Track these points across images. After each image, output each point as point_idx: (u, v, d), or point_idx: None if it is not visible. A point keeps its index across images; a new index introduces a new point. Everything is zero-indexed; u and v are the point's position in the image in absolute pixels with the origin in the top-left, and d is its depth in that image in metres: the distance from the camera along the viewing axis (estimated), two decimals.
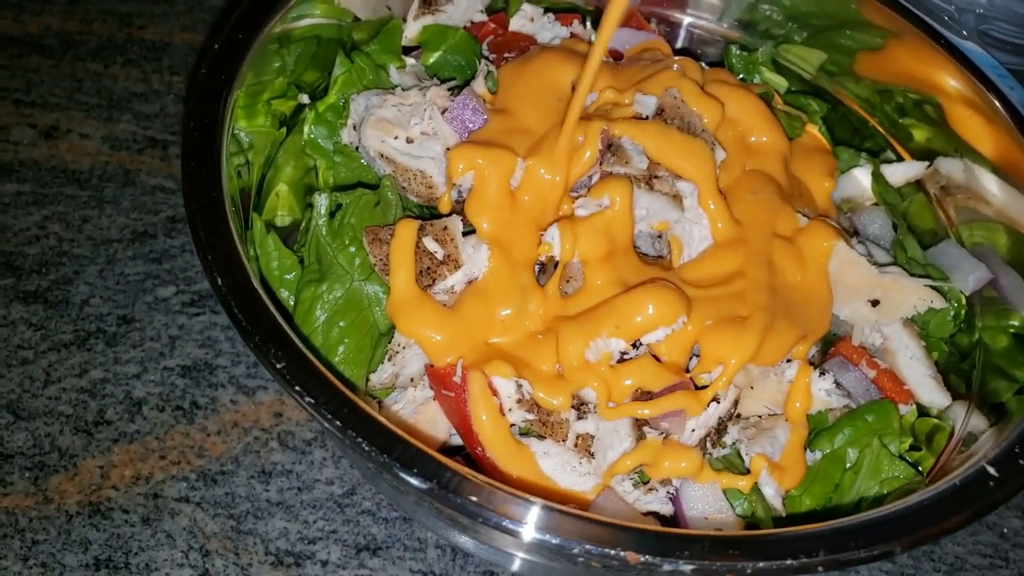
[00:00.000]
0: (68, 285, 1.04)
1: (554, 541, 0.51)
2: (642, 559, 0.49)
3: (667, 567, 0.49)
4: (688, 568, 0.49)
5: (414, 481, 0.52)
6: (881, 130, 1.01)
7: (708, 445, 0.70)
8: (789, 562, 0.50)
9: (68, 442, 0.92)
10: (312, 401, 0.54)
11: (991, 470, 0.57)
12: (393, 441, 0.54)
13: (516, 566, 0.77)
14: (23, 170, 1.14)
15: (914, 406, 0.81)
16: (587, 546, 0.50)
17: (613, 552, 0.49)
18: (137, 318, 1.03)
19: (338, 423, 0.53)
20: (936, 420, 0.80)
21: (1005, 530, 0.98)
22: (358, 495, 0.92)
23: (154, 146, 1.19)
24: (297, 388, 0.54)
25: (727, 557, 0.50)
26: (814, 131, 0.95)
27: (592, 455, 0.70)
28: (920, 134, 0.96)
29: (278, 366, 0.55)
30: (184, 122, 0.66)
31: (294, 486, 0.92)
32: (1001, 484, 0.57)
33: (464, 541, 0.75)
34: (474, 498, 0.51)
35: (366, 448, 0.53)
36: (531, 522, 0.52)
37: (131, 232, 1.10)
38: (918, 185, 0.95)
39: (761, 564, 0.50)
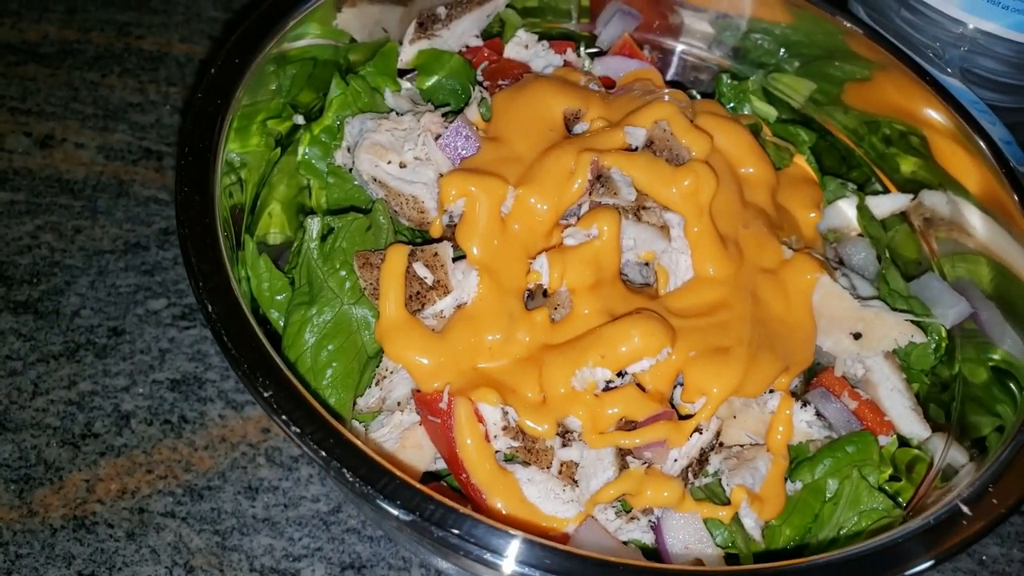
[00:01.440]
0: (59, 296, 1.05)
1: (536, 575, 0.52)
2: None
3: None
4: None
5: (396, 512, 0.53)
6: (867, 160, 1.02)
7: (690, 475, 0.71)
8: None
9: (54, 455, 0.92)
10: (298, 431, 0.54)
11: (965, 509, 0.59)
12: (377, 472, 0.54)
13: None
14: (17, 179, 1.15)
15: (895, 437, 0.82)
16: None
17: None
18: (128, 330, 1.03)
19: (323, 453, 0.54)
20: (916, 451, 0.81)
21: (984, 557, 0.99)
22: (344, 512, 0.92)
23: (149, 157, 1.20)
24: (283, 417, 0.55)
25: None
26: (801, 162, 0.97)
27: (576, 483, 0.71)
28: (905, 166, 0.98)
29: (265, 394, 0.55)
30: (179, 147, 0.66)
31: (280, 502, 0.93)
32: (974, 523, 0.58)
33: (446, 566, 0.76)
34: (456, 531, 0.52)
35: (350, 479, 0.54)
36: (512, 555, 0.53)
37: (123, 243, 1.11)
38: (903, 216, 0.97)
39: None
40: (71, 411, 0.96)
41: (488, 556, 0.52)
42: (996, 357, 0.79)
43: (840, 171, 1.05)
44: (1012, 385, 0.72)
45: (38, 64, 1.28)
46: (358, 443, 0.56)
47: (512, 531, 0.53)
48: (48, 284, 1.06)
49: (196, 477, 0.94)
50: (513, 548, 0.53)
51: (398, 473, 0.55)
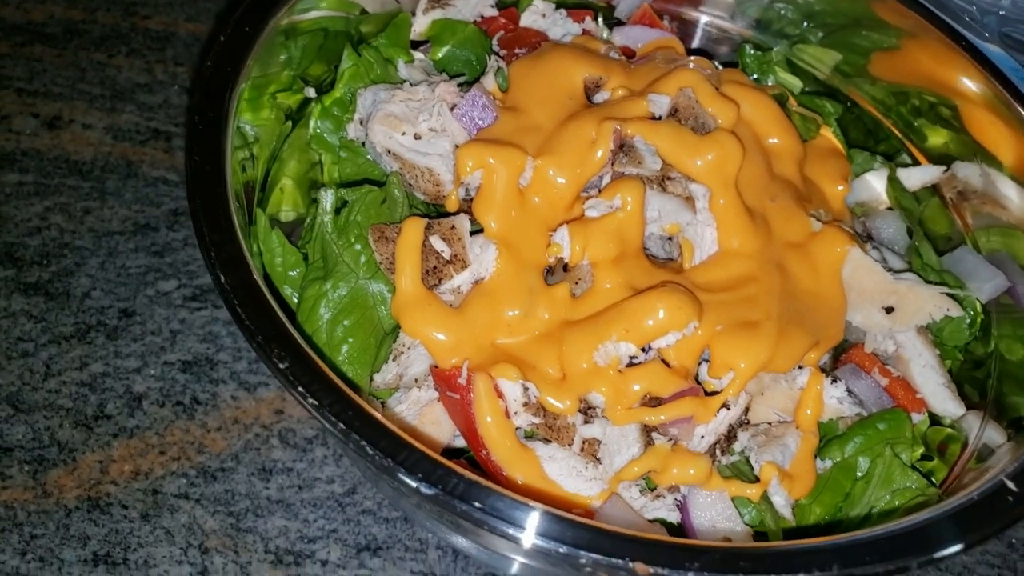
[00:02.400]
0: (69, 277, 1.03)
1: (560, 549, 0.50)
2: (652, 570, 0.48)
3: None
4: None
5: (419, 486, 0.51)
6: (896, 132, 0.99)
7: (717, 452, 0.69)
8: None
9: (68, 436, 0.91)
10: (315, 403, 0.52)
11: (1011, 484, 0.56)
12: (397, 445, 0.52)
13: (515, 569, 0.75)
14: (25, 160, 1.13)
15: (927, 415, 0.80)
16: (594, 555, 0.49)
17: (622, 562, 0.48)
18: (138, 312, 1.02)
19: (341, 425, 0.52)
20: (949, 430, 0.78)
21: (1013, 540, 0.97)
22: (359, 494, 0.91)
23: (157, 137, 1.18)
24: (300, 389, 0.53)
25: (738, 570, 0.49)
26: (828, 134, 0.94)
27: (599, 460, 0.69)
28: (936, 137, 0.94)
29: (281, 366, 0.54)
30: (189, 116, 0.64)
31: (294, 484, 0.91)
32: (1021, 499, 0.56)
33: (464, 544, 0.74)
34: (478, 504, 0.50)
35: (370, 451, 0.52)
36: (534, 528, 0.51)
37: (133, 224, 1.09)
38: (934, 189, 0.93)
39: None
40: (83, 392, 0.95)
41: (512, 530, 0.50)
42: None
43: (868, 144, 1.02)
44: None
45: (44, 44, 1.26)
46: (378, 415, 0.54)
47: (533, 504, 0.51)
48: (58, 265, 1.04)
49: (209, 459, 0.92)
50: (537, 521, 0.51)
51: (419, 446, 0.53)
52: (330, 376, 0.55)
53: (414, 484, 0.51)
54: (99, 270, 1.05)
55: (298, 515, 0.89)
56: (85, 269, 1.04)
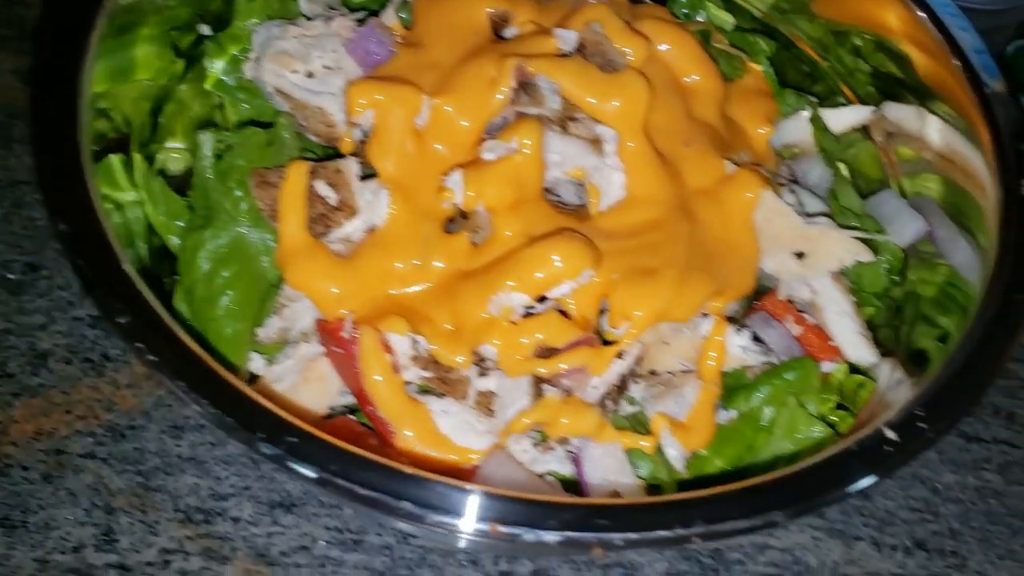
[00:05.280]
0: None
1: (390, 503, 0.47)
2: (503, 530, 0.46)
3: (529, 537, 0.46)
4: (552, 539, 0.46)
5: (267, 450, 0.48)
6: (832, 73, 0.95)
7: (609, 403, 0.67)
8: (662, 533, 0.47)
9: None
10: (155, 360, 0.49)
11: (890, 433, 0.54)
12: (255, 410, 0.49)
13: None
14: None
15: (845, 364, 0.78)
16: (433, 514, 0.46)
17: (462, 520, 0.46)
18: (45, 265, 0.97)
19: (181, 383, 0.49)
20: (863, 378, 0.77)
21: (938, 485, 0.97)
22: None
23: None
24: (138, 345, 0.50)
25: (596, 528, 0.47)
26: (756, 72, 0.89)
27: (494, 413, 0.67)
28: (870, 79, 0.90)
29: (119, 321, 0.50)
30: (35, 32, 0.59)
31: (207, 441, 0.89)
32: (899, 449, 0.54)
33: None
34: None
35: (227, 420, 0.48)
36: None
37: None
38: (865, 132, 0.90)
39: (633, 536, 0.47)
40: None
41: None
42: (946, 276, 0.73)
43: (804, 85, 0.97)
44: (956, 306, 0.67)
45: None
46: (236, 381, 0.51)
47: (411, 471, 0.48)
48: None
49: (118, 417, 0.90)
50: (414, 491, 0.47)
51: (275, 409, 0.50)
52: (177, 333, 0.51)
53: (266, 451, 0.48)
54: (3, 222, 1.00)
55: (210, 472, 0.87)
56: None
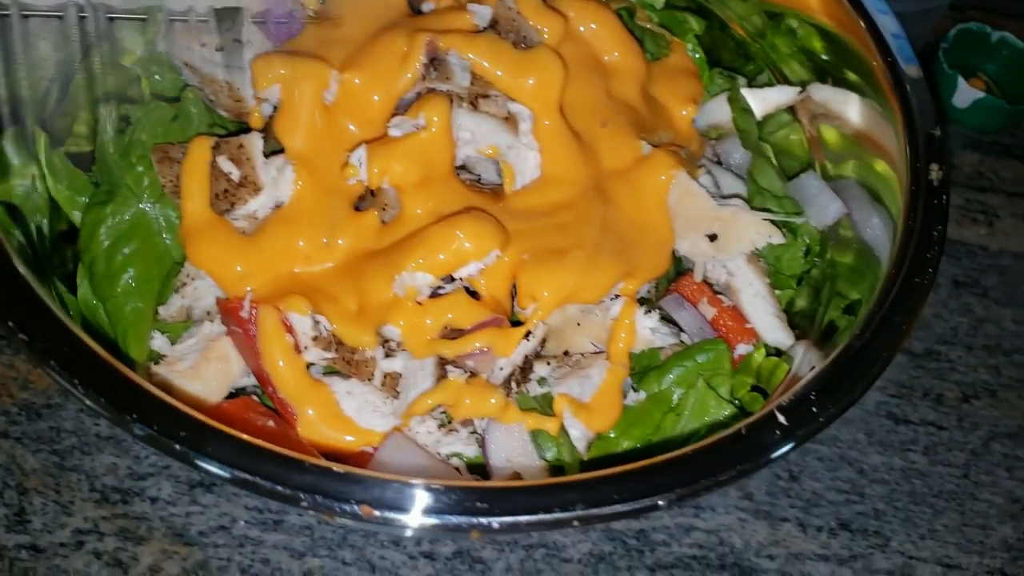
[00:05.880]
0: None
1: (262, 483, 0.46)
2: (377, 514, 0.45)
3: (407, 522, 0.46)
4: (430, 523, 0.46)
5: (139, 431, 0.47)
6: (763, 55, 0.94)
7: (514, 384, 0.67)
8: (541, 517, 0.47)
9: None
10: (26, 339, 0.48)
11: (780, 417, 0.54)
12: (126, 389, 0.48)
13: None
14: None
15: (762, 346, 0.78)
16: (316, 497, 0.46)
17: (347, 506, 0.46)
18: None
19: (52, 363, 0.47)
20: (778, 360, 0.77)
21: (864, 466, 0.98)
22: None
23: None
24: (9, 324, 0.48)
25: (473, 511, 0.46)
26: (682, 51, 0.88)
27: (399, 394, 0.66)
28: (798, 60, 0.90)
29: None
30: None
31: None
32: (788, 433, 0.54)
33: None
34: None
35: (97, 401, 0.47)
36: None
37: None
38: (793, 113, 0.89)
39: (509, 520, 0.47)
40: None
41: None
42: (861, 256, 0.74)
43: (736, 65, 0.96)
44: (866, 283, 0.67)
45: None
46: (106, 356, 0.49)
47: (306, 461, 0.47)
48: None
49: (34, 395, 0.88)
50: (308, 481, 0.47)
51: (151, 388, 0.49)
52: (50, 309, 0.50)
53: (139, 432, 0.47)
54: None
55: (129, 451, 0.86)
56: None
